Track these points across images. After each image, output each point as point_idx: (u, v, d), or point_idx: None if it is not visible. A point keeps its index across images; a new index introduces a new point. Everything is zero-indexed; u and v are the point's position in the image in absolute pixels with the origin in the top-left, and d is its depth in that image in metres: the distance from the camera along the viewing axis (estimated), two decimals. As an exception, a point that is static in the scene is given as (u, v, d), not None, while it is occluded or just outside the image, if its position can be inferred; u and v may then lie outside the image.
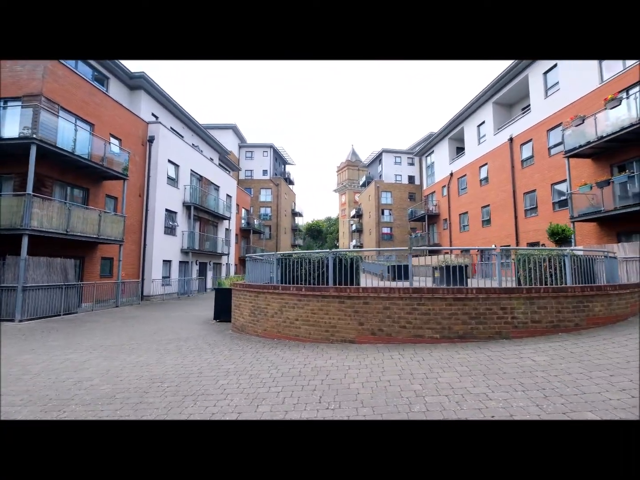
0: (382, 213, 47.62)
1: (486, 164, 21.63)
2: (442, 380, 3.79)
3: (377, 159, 52.50)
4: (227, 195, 26.49)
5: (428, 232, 29.49)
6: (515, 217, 18.49)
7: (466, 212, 23.94)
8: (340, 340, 5.79)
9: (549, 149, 16.35)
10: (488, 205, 21.35)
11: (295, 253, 7.14)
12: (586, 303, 5.64)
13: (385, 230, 47.57)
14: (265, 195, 45.84)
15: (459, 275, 6.63)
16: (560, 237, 6.72)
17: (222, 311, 9.98)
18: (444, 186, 27.37)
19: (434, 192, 29.39)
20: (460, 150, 26.48)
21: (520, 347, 4.90)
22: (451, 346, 5.18)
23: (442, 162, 27.92)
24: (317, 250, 7.04)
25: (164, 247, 17.97)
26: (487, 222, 21.52)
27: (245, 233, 32.74)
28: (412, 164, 49.91)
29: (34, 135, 10.33)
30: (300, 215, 57.36)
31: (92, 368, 5.17)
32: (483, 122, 22.16)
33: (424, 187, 32.02)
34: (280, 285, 6.62)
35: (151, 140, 17.52)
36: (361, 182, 62.61)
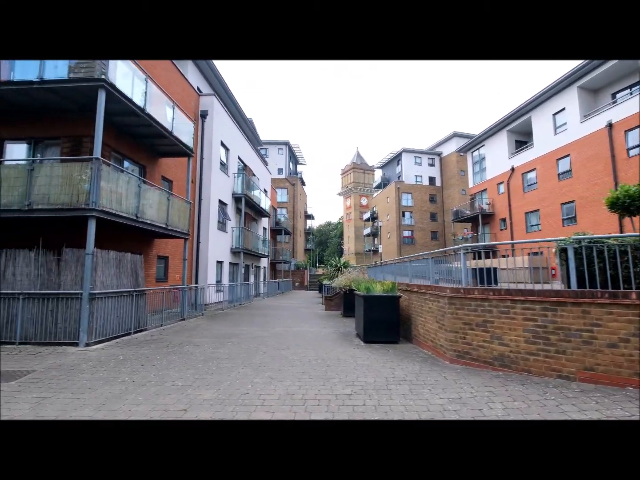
0: (403, 215, 45.40)
1: (568, 155, 19.38)
2: None
3: (396, 159, 50.38)
4: (264, 190, 23.42)
5: (477, 234, 27.10)
6: (620, 214, 16.15)
7: (536, 210, 21.62)
8: None
9: (676, 133, 14.10)
10: (572, 202, 19.04)
11: (612, 237, 4.32)
12: None
13: (406, 233, 45.35)
14: (281, 195, 42.79)
15: None
16: None
17: (375, 327, 7.05)
18: (501, 183, 25.07)
19: (485, 189, 27.07)
20: (521, 143, 24.29)
21: None
22: None
23: (497, 157, 25.65)
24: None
25: (217, 246, 14.79)
26: (570, 220, 19.19)
27: (272, 234, 29.60)
28: (432, 164, 48.08)
29: (103, 76, 7.21)
30: (312, 217, 54.40)
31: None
32: (562, 110, 19.95)
33: (471, 184, 29.68)
34: None
35: (204, 115, 14.44)
36: (375, 184, 60.30)
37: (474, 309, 4.97)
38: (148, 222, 8.58)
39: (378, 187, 56.62)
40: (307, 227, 52.91)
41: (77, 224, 7.41)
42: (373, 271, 15.76)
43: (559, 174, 20.11)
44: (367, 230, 55.14)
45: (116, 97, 7.67)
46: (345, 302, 11.75)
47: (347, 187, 70.79)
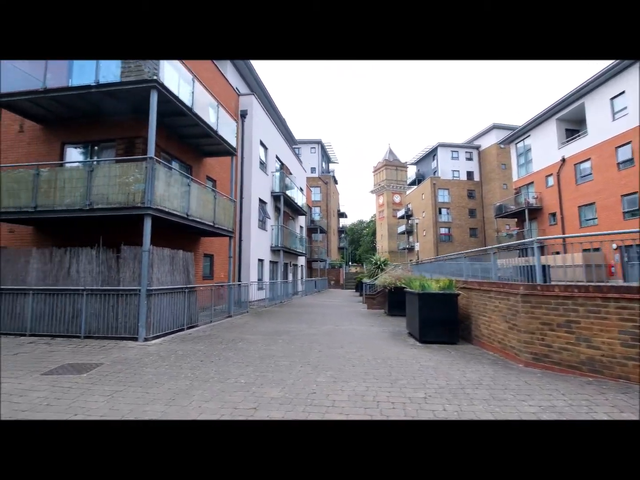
0: (439, 212, 43.95)
1: (629, 142, 17.76)
2: None
3: (431, 154, 48.92)
4: (300, 188, 23.43)
5: (524, 230, 25.60)
6: (695, 204, 14.54)
7: (592, 203, 20.04)
8: None
9: None
10: (634, 193, 17.44)
11: None
12: None
13: (443, 230, 43.87)
14: (314, 194, 42.69)
15: None
16: None
17: (432, 327, 6.70)
18: (549, 175, 23.51)
19: (532, 182, 25.50)
20: (573, 132, 22.64)
21: None
22: None
23: (545, 147, 24.07)
24: None
25: (258, 244, 14.91)
26: (632, 213, 17.60)
27: (308, 232, 29.59)
28: (470, 158, 46.20)
29: (155, 77, 7.35)
30: (345, 216, 54.06)
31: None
32: (621, 93, 18.31)
33: (515, 177, 28.10)
34: None
35: (244, 115, 14.59)
36: (408, 181, 58.98)
37: (554, 307, 4.51)
38: (197, 220, 8.72)
39: (412, 183, 55.28)
40: (340, 226, 52.64)
41: (132, 222, 7.65)
42: (417, 269, 15.26)
43: (618, 163, 18.51)
44: (402, 228, 53.96)
45: (166, 98, 7.81)
46: (390, 300, 11.40)
47: (379, 184, 69.70)
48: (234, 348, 6.26)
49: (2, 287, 7.18)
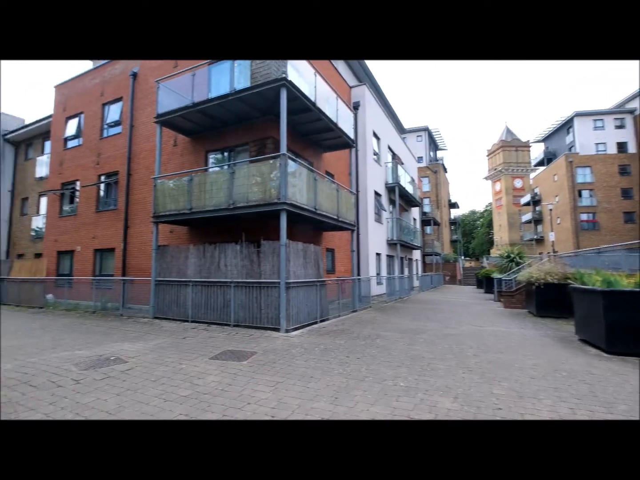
0: (579, 195, 36.75)
1: None
2: None
3: (564, 127, 41.41)
4: (412, 178, 22.18)
5: None
6: None
7: None
8: None
9: None
10: None
11: None
12: None
13: (585, 216, 36.53)
14: (423, 185, 40.30)
15: None
16: None
17: (625, 334, 5.19)
18: None
19: None
20: None
21: None
22: None
23: None
24: None
25: (375, 238, 14.52)
26: None
27: (421, 225, 28.01)
28: (621, 126, 37.51)
29: (283, 75, 7.52)
30: (456, 206, 49.80)
31: None
32: None
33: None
34: None
35: (356, 106, 14.30)
36: (534, 162, 51.17)
37: None
38: (324, 213, 8.72)
39: (540, 163, 47.78)
40: (452, 217, 48.71)
41: (265, 218, 8.04)
42: (571, 262, 12.76)
43: None
44: (527, 217, 47.08)
45: (294, 95, 7.95)
46: (539, 298, 9.65)
47: (495, 169, 62.26)
48: (374, 345, 5.92)
49: (169, 279, 8.36)
